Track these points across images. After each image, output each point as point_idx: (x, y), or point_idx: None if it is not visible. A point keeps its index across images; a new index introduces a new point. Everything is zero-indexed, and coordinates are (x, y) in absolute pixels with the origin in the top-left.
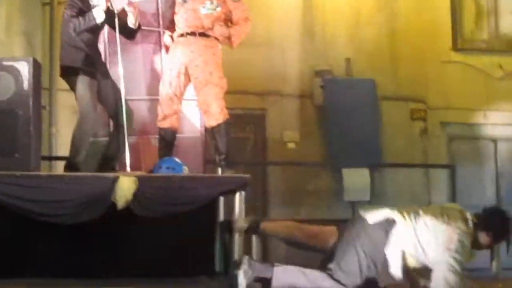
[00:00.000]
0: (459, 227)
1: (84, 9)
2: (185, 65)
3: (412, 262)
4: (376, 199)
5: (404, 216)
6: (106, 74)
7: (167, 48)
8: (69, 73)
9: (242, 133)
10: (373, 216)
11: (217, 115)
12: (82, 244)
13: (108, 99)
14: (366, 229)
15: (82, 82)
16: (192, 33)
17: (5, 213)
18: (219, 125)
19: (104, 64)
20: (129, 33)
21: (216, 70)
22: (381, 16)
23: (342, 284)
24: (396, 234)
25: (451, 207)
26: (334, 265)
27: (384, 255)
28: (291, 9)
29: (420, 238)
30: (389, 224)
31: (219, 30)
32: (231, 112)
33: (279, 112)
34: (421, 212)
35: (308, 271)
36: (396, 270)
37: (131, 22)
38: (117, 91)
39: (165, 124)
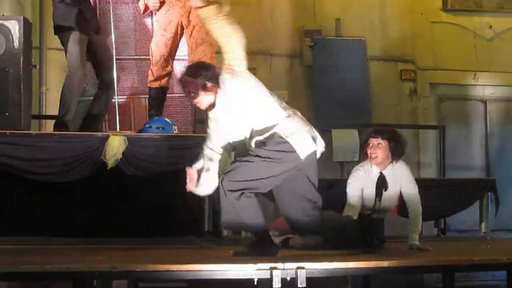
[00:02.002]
0: None
1: None
2: (182, 26)
3: None
4: None
5: None
6: (97, 30)
7: (146, 9)
8: (61, 30)
9: None
10: None
11: None
12: (70, 203)
13: (96, 56)
14: None
15: (73, 38)
16: None
17: None
18: None
19: (97, 20)
20: None
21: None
22: None
23: None
24: None
25: None
26: None
27: None
28: None
29: None
30: None
31: None
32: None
33: (268, 72)
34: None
35: None
36: None
37: None
38: (106, 48)
39: (156, 84)
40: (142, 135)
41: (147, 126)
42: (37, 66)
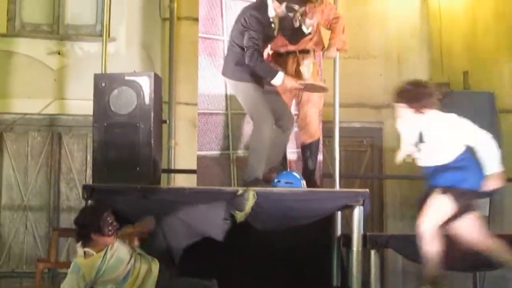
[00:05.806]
0: None
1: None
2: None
3: None
4: (496, 214)
5: None
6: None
7: None
8: (237, 79)
9: (359, 146)
10: None
11: (313, 133)
12: (197, 256)
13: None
14: None
15: (254, 88)
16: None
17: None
18: (311, 144)
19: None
20: None
21: None
22: (498, 26)
23: None
24: None
25: None
26: None
27: None
28: (407, 20)
29: None
30: None
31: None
32: (348, 125)
33: (396, 125)
34: None
35: None
36: None
37: None
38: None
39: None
40: (271, 189)
41: (276, 180)
42: (167, 121)
